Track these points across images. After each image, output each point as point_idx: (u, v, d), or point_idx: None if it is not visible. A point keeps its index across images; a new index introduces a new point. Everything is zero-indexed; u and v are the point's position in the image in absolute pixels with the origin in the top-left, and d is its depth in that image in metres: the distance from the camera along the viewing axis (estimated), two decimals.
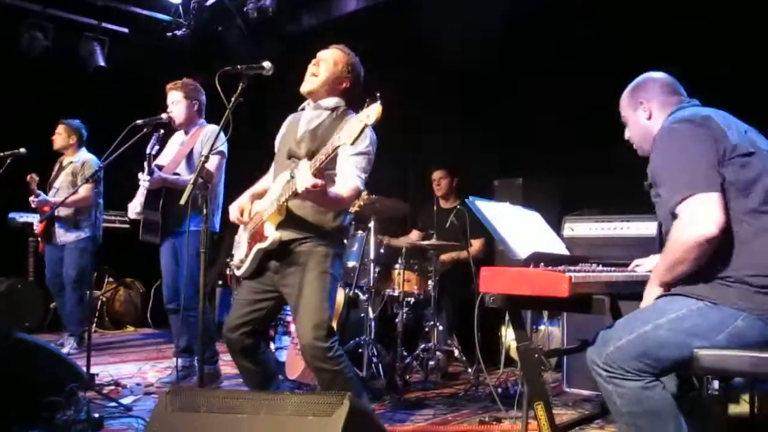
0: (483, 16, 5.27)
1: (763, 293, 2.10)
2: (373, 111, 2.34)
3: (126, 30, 7.25)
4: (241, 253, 3.10)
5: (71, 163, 5.68)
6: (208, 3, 6.74)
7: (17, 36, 6.59)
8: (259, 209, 3.03)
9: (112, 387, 4.20)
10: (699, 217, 2.11)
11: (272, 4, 6.14)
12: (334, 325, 4.15)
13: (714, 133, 2.19)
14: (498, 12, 5.29)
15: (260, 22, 6.39)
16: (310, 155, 2.69)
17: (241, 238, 3.15)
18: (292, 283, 2.91)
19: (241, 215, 3.09)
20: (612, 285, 2.50)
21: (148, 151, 4.10)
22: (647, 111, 2.47)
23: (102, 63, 6.95)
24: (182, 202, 2.69)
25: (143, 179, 4.12)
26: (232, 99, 2.85)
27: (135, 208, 4.32)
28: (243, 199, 3.18)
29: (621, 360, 2.16)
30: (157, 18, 7.11)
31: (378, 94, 2.37)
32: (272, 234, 2.88)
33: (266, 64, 2.91)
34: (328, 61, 3.02)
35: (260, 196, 3.14)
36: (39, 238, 5.83)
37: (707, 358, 2.12)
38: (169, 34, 7.04)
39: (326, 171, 2.74)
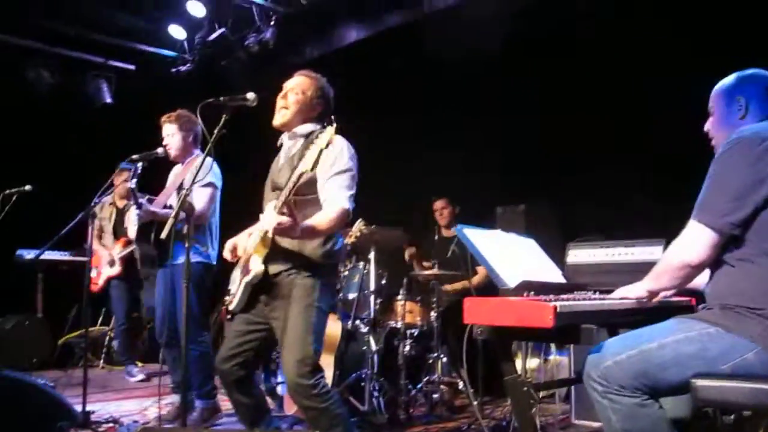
0: (484, 40, 5.24)
1: None
2: (326, 135, 2.42)
3: (132, 66, 7.33)
4: (234, 287, 3.06)
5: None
6: (211, 38, 6.80)
7: (24, 74, 6.67)
8: (249, 243, 3.00)
9: (110, 425, 4.13)
10: (692, 244, 2.09)
11: (272, 37, 6.19)
12: (330, 359, 4.12)
13: None
14: (499, 36, 5.27)
15: (262, 54, 6.43)
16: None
17: (236, 273, 3.11)
18: (279, 316, 2.87)
19: (235, 252, 3.05)
20: (600, 314, 2.40)
21: (129, 186, 4.12)
22: (742, 110, 2.25)
23: (108, 100, 7.03)
24: (163, 236, 2.66)
25: (134, 214, 4.11)
26: (215, 131, 2.84)
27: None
28: (239, 237, 3.14)
29: (618, 376, 2.07)
30: (162, 54, 7.18)
31: (333, 118, 2.49)
32: (256, 267, 2.84)
33: (250, 95, 2.91)
34: (296, 91, 3.00)
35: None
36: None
37: (705, 388, 2.00)
38: (174, 69, 7.11)
39: (308, 197, 2.77)
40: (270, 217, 2.57)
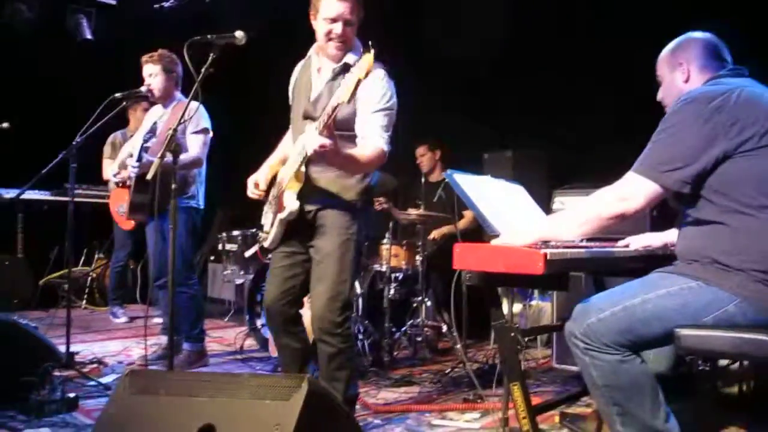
0: None
1: (764, 284, 2.01)
2: (364, 63, 2.26)
3: (113, 2, 7.10)
4: (267, 224, 3.00)
5: None
6: None
7: (0, 9, 6.45)
8: (281, 177, 2.93)
9: (94, 365, 4.14)
10: (632, 196, 2.11)
11: None
12: None
13: (727, 117, 2.05)
14: None
15: None
16: None
17: (267, 209, 3.05)
18: (315, 249, 2.82)
19: (256, 188, 2.99)
20: (590, 262, 2.41)
21: (142, 142, 4.12)
22: (685, 73, 2.32)
23: (89, 36, 6.83)
24: (149, 177, 2.61)
25: (132, 165, 4.12)
26: (202, 70, 2.76)
27: (112, 169, 4.54)
28: (260, 172, 3.06)
29: (602, 333, 2.09)
30: None
31: (370, 43, 2.30)
32: (290, 204, 2.75)
33: (238, 33, 2.82)
34: (352, 21, 2.76)
35: (282, 162, 3.02)
36: None
37: (689, 338, 2.02)
38: (157, 5, 6.89)
39: (345, 132, 2.67)
40: (312, 138, 2.42)
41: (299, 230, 2.86)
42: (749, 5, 4.27)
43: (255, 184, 2.99)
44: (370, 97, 2.74)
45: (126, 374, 2.05)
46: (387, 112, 2.77)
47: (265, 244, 2.98)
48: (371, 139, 2.72)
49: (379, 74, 2.78)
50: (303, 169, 2.73)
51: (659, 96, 2.45)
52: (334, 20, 2.72)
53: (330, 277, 2.76)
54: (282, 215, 2.79)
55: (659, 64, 2.43)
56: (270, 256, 3.08)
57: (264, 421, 1.77)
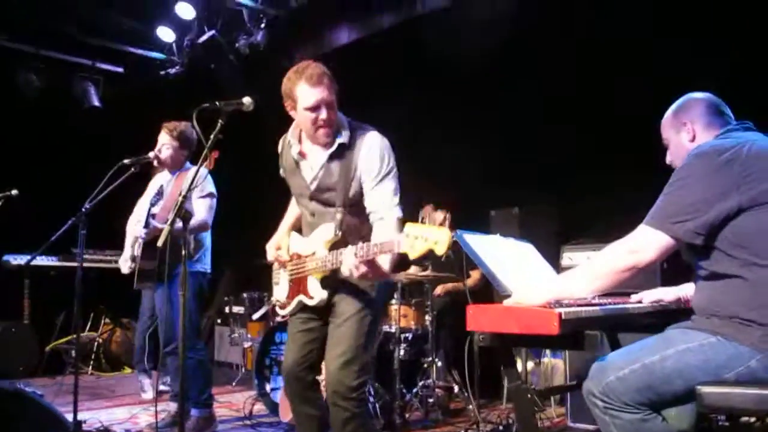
0: (478, 42, 5.20)
1: None
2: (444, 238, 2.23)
3: (120, 69, 7.26)
4: (282, 294, 2.97)
5: None
6: (200, 40, 6.74)
7: (12, 78, 6.58)
8: (298, 251, 2.90)
9: None
10: (644, 247, 2.10)
11: (263, 40, 6.14)
12: None
13: (739, 170, 2.05)
14: (495, 35, 5.23)
15: (252, 57, 6.37)
16: (345, 200, 2.71)
17: (281, 277, 3.02)
18: (335, 313, 2.80)
19: (278, 251, 2.96)
20: (605, 320, 2.38)
21: (148, 207, 4.18)
22: (690, 133, 2.35)
23: (96, 103, 6.95)
24: (159, 243, 2.61)
25: (140, 232, 4.14)
26: (211, 136, 2.78)
27: (126, 261, 4.42)
28: (279, 235, 3.05)
29: (621, 392, 2.05)
30: (151, 57, 7.11)
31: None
32: (318, 294, 2.76)
33: (246, 99, 2.82)
34: (332, 104, 2.72)
35: (293, 226, 3.03)
36: None
37: (711, 395, 1.99)
38: (163, 72, 7.04)
39: (343, 208, 2.73)
40: (349, 263, 2.45)
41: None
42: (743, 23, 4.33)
43: (277, 247, 2.96)
44: (371, 168, 2.73)
45: None
46: (390, 176, 2.76)
47: (281, 313, 2.98)
48: (385, 213, 2.70)
49: (373, 140, 2.77)
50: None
51: (668, 159, 2.48)
52: (316, 108, 2.68)
53: (348, 341, 2.72)
54: (309, 302, 2.80)
55: (663, 128, 2.46)
56: (281, 314, 3.05)
57: None
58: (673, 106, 2.44)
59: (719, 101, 2.38)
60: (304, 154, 2.86)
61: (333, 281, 2.76)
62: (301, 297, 2.83)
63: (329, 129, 2.74)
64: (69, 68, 6.97)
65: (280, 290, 2.99)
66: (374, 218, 2.72)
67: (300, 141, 2.89)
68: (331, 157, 2.78)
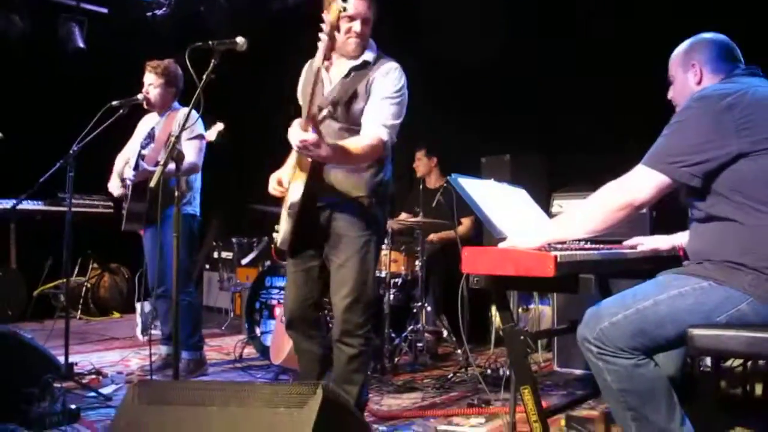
0: None
1: None
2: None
3: (105, 10, 7.07)
4: (282, 224, 2.94)
5: None
6: None
7: None
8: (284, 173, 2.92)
9: (93, 376, 4.09)
10: (640, 186, 2.11)
11: None
12: None
13: (740, 115, 2.03)
14: None
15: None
16: (351, 117, 2.71)
17: (281, 217, 2.99)
18: (335, 254, 2.80)
19: (279, 185, 2.93)
20: (601, 264, 2.40)
21: (138, 149, 4.13)
22: (698, 74, 2.31)
23: (81, 44, 6.78)
24: (152, 185, 2.58)
25: (129, 174, 4.08)
26: (204, 76, 2.74)
27: (117, 185, 4.34)
28: (283, 170, 3.01)
29: (615, 337, 2.07)
30: None
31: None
32: (293, 195, 2.71)
33: (239, 39, 2.79)
34: (369, 22, 2.79)
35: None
36: None
37: (702, 337, 2.01)
38: (149, 13, 6.85)
39: (351, 126, 2.71)
40: (293, 133, 2.42)
41: (313, 234, 2.82)
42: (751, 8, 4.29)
43: (278, 181, 2.93)
44: (381, 87, 2.74)
45: (134, 385, 2.01)
46: (394, 100, 2.75)
47: (277, 243, 2.94)
48: (369, 128, 2.70)
49: (393, 66, 2.80)
50: (299, 161, 2.70)
51: (670, 95, 2.45)
52: (352, 18, 2.73)
53: (352, 280, 2.75)
54: (286, 208, 2.77)
55: (671, 64, 2.42)
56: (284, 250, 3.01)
57: (278, 429, 1.74)
58: (685, 44, 2.39)
59: (732, 45, 2.34)
60: (328, 67, 2.85)
61: (317, 188, 2.72)
62: (284, 210, 2.80)
63: (360, 41, 2.77)
64: (52, 9, 6.77)
65: (281, 228, 2.95)
66: (362, 132, 2.72)
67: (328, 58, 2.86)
68: (351, 71, 2.80)
